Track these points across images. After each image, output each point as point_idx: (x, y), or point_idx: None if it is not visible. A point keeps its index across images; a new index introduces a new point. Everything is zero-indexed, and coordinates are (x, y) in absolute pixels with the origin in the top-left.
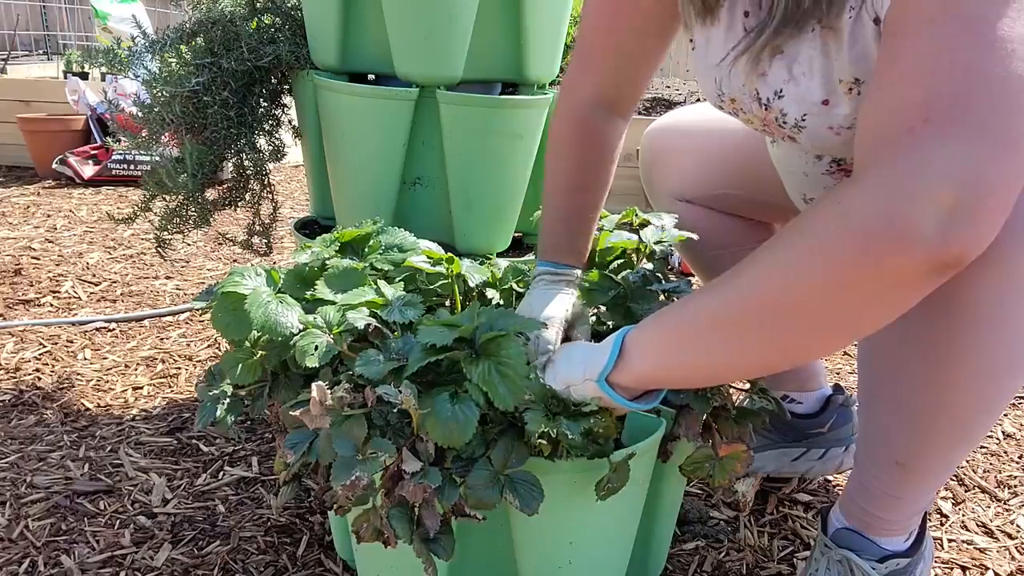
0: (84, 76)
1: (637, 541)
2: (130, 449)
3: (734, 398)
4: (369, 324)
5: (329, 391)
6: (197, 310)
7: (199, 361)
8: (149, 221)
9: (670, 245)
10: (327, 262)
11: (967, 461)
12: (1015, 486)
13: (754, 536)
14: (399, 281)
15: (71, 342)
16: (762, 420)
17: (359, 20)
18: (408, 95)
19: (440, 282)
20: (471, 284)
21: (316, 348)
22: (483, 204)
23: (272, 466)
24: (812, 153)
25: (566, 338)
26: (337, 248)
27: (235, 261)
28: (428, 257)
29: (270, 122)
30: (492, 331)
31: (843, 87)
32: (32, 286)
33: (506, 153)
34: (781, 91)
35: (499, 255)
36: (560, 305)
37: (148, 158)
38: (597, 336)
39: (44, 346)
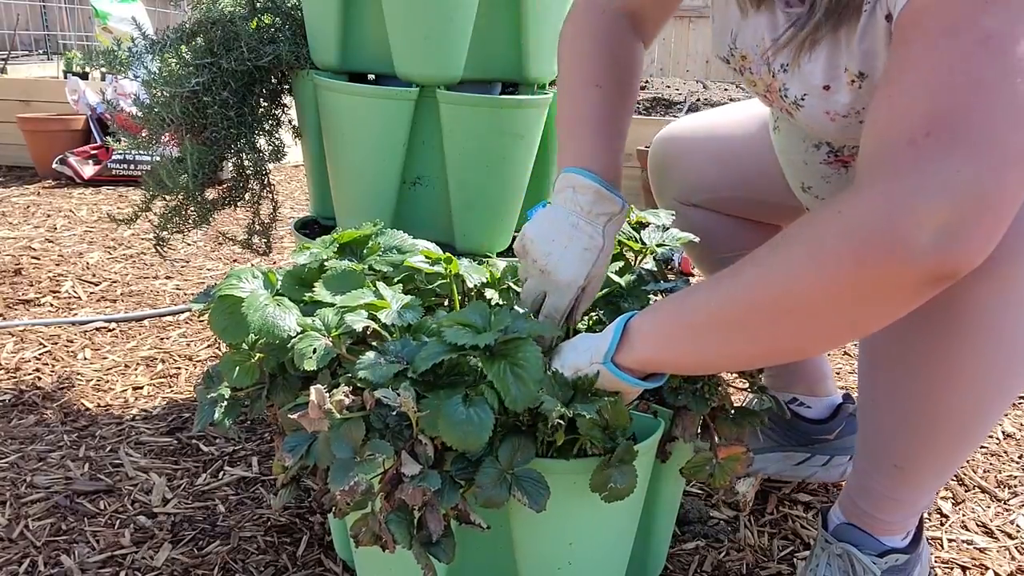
0: (84, 76)
1: (636, 541)
2: (130, 449)
3: (733, 398)
4: (368, 326)
5: (327, 394)
6: (196, 311)
7: (199, 361)
8: (149, 221)
9: (671, 249)
10: (325, 264)
11: (967, 461)
12: (1015, 486)
13: (754, 536)
14: (398, 282)
15: (71, 342)
16: (761, 420)
17: (359, 20)
18: (408, 95)
19: (439, 282)
20: (469, 284)
21: (314, 351)
22: (483, 204)
23: (272, 466)
24: (810, 141)
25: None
26: (336, 249)
27: (235, 261)
28: (426, 257)
29: (270, 122)
30: (510, 334)
31: (847, 76)
32: (32, 286)
33: (506, 153)
34: (785, 66)
35: (499, 255)
36: (587, 259)
37: (148, 158)
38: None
39: (44, 346)
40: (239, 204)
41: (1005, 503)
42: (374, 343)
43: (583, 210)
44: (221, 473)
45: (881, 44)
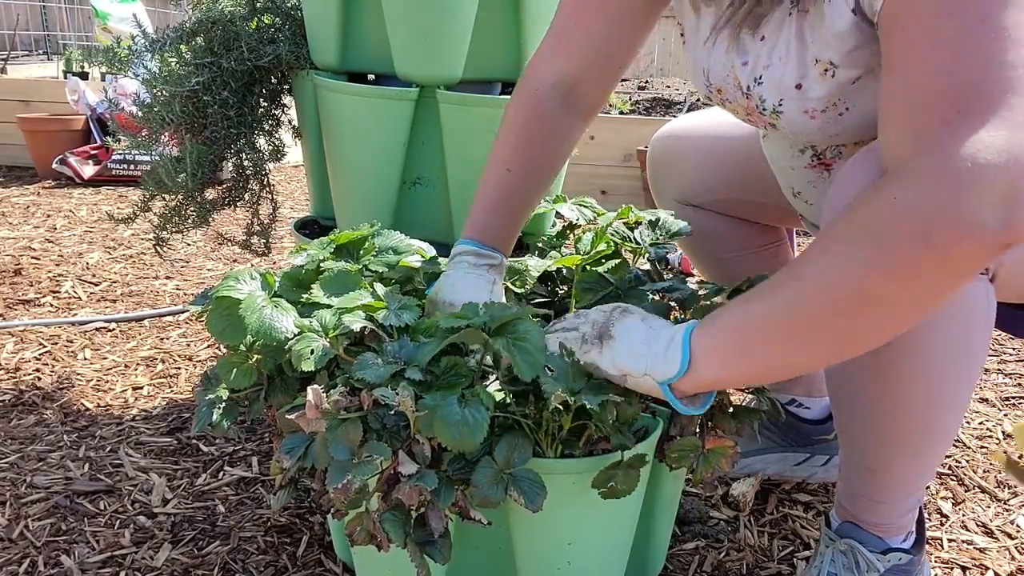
0: (84, 76)
1: (636, 541)
2: (130, 449)
3: (732, 397)
4: (365, 327)
5: (325, 395)
6: (194, 312)
7: (199, 361)
8: (149, 221)
9: (666, 248)
10: (322, 265)
11: (967, 461)
12: (1015, 486)
13: (754, 536)
14: (395, 283)
15: (71, 342)
16: (759, 417)
17: (359, 20)
18: (408, 95)
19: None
20: None
21: (312, 352)
22: None
23: (271, 467)
24: (796, 147)
25: None
26: (332, 251)
27: (235, 261)
28: (422, 258)
29: (270, 122)
30: (503, 316)
31: (819, 68)
32: (32, 286)
33: None
34: (760, 78)
35: None
36: (481, 292)
37: (148, 158)
38: None
39: (44, 346)
40: (239, 204)
41: (1005, 503)
42: (372, 344)
43: (470, 264)
44: (221, 473)
45: (846, 33)
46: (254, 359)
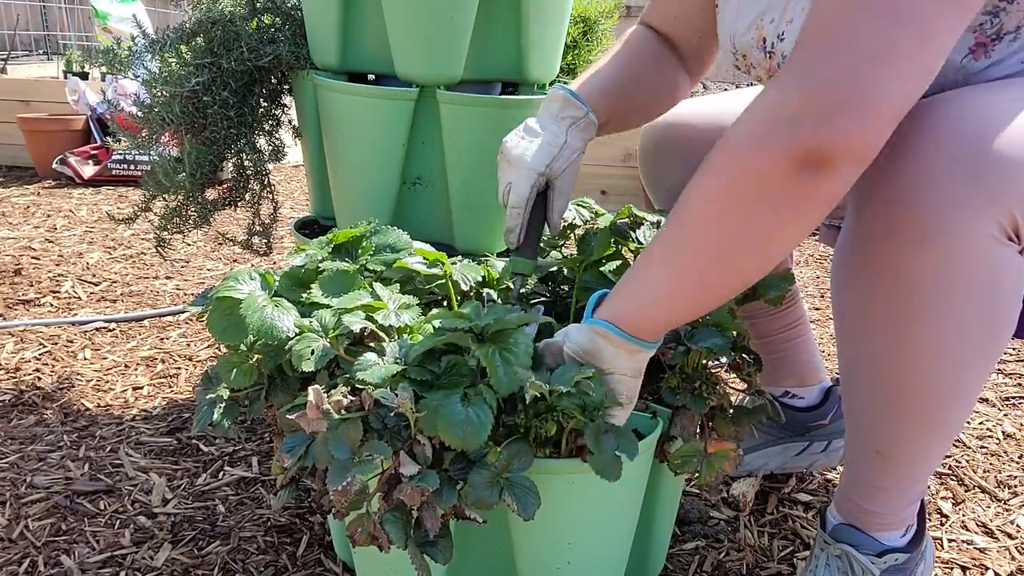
0: (84, 76)
1: (636, 541)
2: (130, 449)
3: (732, 398)
4: (365, 327)
5: (326, 395)
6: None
7: (199, 361)
8: (149, 221)
9: None
10: (320, 264)
11: (967, 461)
12: (1015, 486)
13: (754, 536)
14: (395, 283)
15: (71, 342)
16: (759, 418)
17: (359, 20)
18: (408, 95)
19: (437, 282)
20: (463, 287)
21: (312, 352)
22: (483, 204)
23: (271, 466)
24: None
25: (546, 188)
26: (331, 250)
27: (235, 261)
28: (423, 258)
29: (270, 122)
30: (501, 322)
31: None
32: (32, 286)
33: None
34: (783, 34)
35: (499, 255)
36: (548, 152)
37: (148, 158)
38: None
39: (44, 346)
40: (239, 204)
41: (1005, 503)
42: (372, 344)
43: (552, 114)
44: (221, 473)
45: None
46: (254, 359)
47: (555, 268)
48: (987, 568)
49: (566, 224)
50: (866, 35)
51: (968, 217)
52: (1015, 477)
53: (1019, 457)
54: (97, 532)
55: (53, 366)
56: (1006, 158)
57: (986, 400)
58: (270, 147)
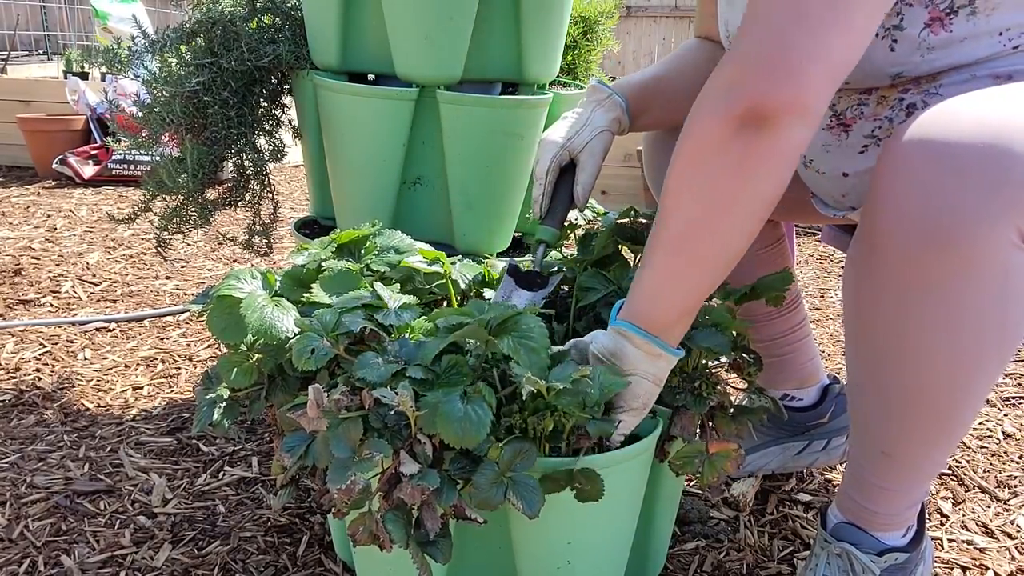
0: (84, 76)
1: (636, 541)
2: (130, 449)
3: (732, 397)
4: (365, 327)
5: (326, 394)
6: (195, 312)
7: (199, 361)
8: (149, 221)
9: None
10: (323, 264)
11: (967, 461)
12: (1015, 486)
13: (754, 536)
14: (396, 282)
15: (71, 342)
16: (760, 418)
17: (359, 20)
18: (408, 95)
19: (437, 282)
20: (462, 286)
21: (312, 351)
22: (483, 204)
23: (272, 466)
24: None
25: (571, 165)
26: (334, 250)
27: (235, 261)
28: (424, 258)
29: (270, 122)
30: (506, 312)
31: None
32: (32, 286)
33: (506, 153)
34: None
35: (499, 255)
36: (571, 128)
37: (148, 158)
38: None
39: (44, 346)
40: (239, 204)
41: (1005, 503)
42: (372, 343)
43: (582, 101)
44: (221, 473)
45: None
46: (255, 358)
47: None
48: (987, 568)
49: (567, 224)
50: (789, 5)
51: (989, 223)
52: (1015, 477)
53: (1019, 457)
54: (97, 532)
55: (53, 366)
56: None
57: (986, 400)
58: (270, 147)
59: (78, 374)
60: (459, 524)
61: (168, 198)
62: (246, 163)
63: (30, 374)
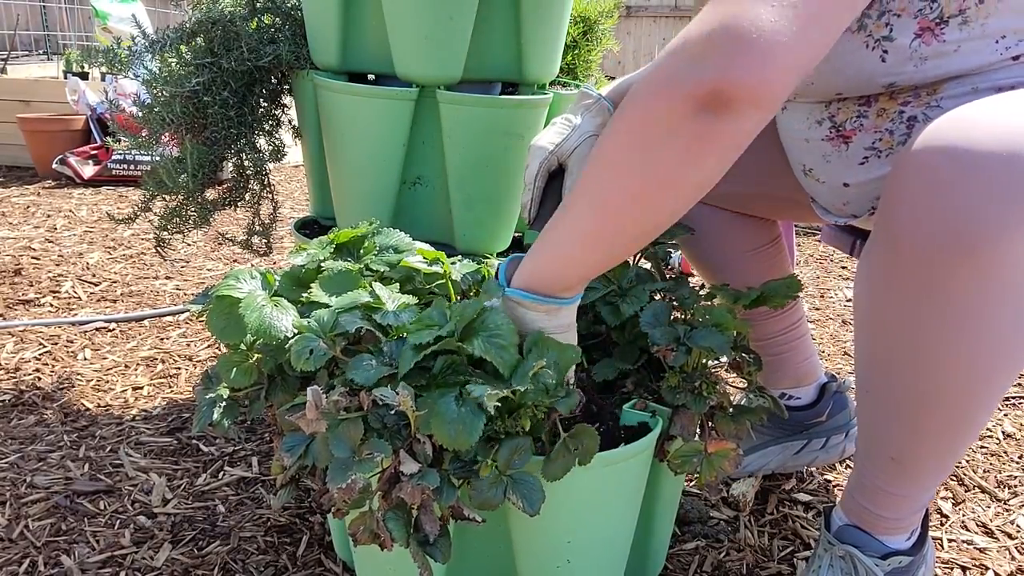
0: (84, 76)
1: (636, 540)
2: (130, 449)
3: (732, 397)
4: (361, 328)
5: (325, 395)
6: (195, 311)
7: (199, 361)
8: (149, 221)
9: (667, 246)
10: (322, 264)
11: (967, 461)
12: (1015, 486)
13: (754, 536)
14: (395, 282)
15: (71, 342)
16: (760, 417)
17: (359, 20)
18: (408, 95)
19: (437, 282)
20: (462, 285)
21: (310, 352)
22: (483, 204)
23: (271, 466)
24: (813, 117)
25: (559, 170)
26: (333, 250)
27: (235, 261)
28: (423, 257)
29: (270, 122)
30: (467, 315)
31: None
32: (32, 286)
33: (506, 153)
34: None
35: (499, 255)
36: (558, 133)
37: (148, 158)
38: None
39: (44, 346)
40: (239, 204)
41: (1005, 503)
42: (371, 344)
43: (570, 107)
44: (221, 473)
45: None
46: (254, 358)
47: None
48: (987, 568)
49: None
50: None
51: (1011, 231)
52: (1015, 477)
53: (1019, 457)
54: (97, 532)
55: (53, 366)
56: None
57: None
58: (270, 147)
59: (78, 374)
60: (459, 524)
61: (168, 198)
62: (246, 163)
63: (30, 374)
